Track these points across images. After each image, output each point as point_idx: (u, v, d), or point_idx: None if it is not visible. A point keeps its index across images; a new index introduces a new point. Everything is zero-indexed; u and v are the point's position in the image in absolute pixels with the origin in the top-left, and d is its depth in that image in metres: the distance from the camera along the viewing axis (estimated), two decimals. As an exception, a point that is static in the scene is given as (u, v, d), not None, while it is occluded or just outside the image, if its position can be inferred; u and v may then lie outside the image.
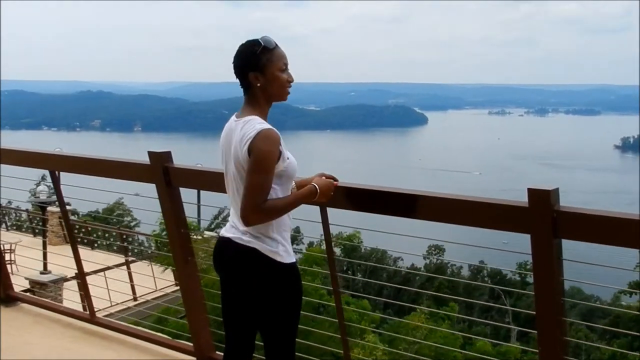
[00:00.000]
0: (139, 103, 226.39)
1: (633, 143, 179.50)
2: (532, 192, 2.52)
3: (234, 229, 2.69)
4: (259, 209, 2.48)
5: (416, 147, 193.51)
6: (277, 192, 2.58)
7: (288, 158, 2.60)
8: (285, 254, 2.64)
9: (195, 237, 15.38)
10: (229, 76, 2.65)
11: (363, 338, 11.84)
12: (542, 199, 2.50)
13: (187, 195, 4.03)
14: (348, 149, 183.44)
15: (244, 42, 2.63)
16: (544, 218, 2.51)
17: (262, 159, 2.48)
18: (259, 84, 2.59)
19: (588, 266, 3.11)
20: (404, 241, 6.24)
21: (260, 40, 2.59)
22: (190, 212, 4.13)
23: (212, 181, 3.55)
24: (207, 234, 22.03)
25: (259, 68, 2.58)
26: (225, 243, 2.70)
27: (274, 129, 2.52)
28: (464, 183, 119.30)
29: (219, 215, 34.70)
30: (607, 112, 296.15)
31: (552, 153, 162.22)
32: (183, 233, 3.89)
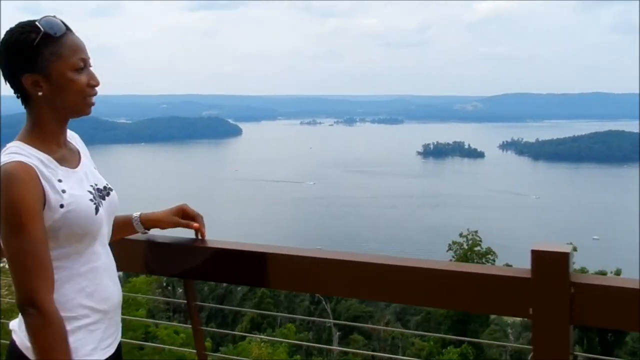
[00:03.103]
0: None
1: (433, 149, 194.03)
2: (539, 255, 1.60)
3: None
4: (32, 300, 1.53)
5: (232, 158, 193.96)
6: (64, 261, 1.66)
7: (64, 201, 1.63)
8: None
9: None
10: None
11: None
12: (556, 264, 1.60)
13: None
14: (164, 162, 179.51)
15: (12, 27, 1.66)
16: (557, 295, 1.60)
17: (8, 213, 1.54)
18: (40, 93, 1.65)
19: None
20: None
21: (38, 24, 1.64)
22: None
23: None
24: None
25: (39, 67, 1.63)
26: None
27: (28, 162, 1.60)
28: (297, 193, 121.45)
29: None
30: (408, 120, 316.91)
31: (362, 160, 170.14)
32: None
